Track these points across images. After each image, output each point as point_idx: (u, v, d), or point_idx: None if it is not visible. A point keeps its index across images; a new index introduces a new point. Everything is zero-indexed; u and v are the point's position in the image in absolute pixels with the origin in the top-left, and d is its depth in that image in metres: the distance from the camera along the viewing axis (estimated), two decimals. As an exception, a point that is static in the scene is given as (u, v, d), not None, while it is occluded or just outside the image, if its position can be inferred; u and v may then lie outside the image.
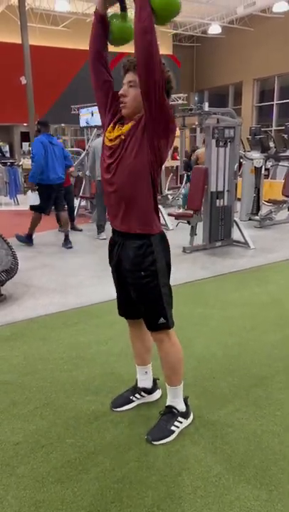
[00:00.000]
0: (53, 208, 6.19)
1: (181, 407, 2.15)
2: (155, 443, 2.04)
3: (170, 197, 9.70)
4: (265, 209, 7.64)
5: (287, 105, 17.74)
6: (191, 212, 5.71)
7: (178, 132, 9.40)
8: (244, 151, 8.01)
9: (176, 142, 9.50)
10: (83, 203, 8.89)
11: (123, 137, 1.87)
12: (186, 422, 2.15)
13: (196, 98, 21.94)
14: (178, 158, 9.79)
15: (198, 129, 10.72)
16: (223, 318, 3.54)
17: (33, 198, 5.91)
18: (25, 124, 15.68)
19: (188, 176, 8.43)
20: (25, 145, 16.37)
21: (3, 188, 10.62)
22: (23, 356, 2.93)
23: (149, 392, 2.37)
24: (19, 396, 2.46)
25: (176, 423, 2.11)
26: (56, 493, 1.78)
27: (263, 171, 7.37)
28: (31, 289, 4.30)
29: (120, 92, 1.89)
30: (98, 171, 6.19)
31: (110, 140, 1.92)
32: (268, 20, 16.77)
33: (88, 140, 8.96)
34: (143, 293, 1.99)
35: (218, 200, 5.80)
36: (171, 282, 2.06)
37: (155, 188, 1.93)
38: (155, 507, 1.70)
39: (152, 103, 1.75)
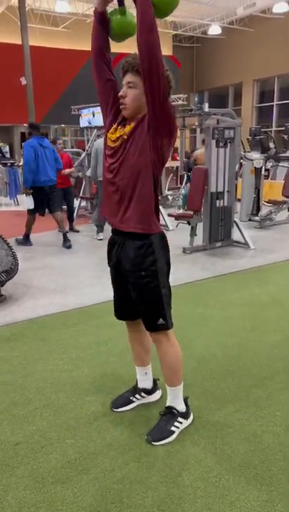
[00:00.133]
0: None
1: (181, 407, 2.15)
2: (155, 443, 2.04)
3: (170, 197, 9.70)
4: (265, 209, 7.64)
5: (287, 106, 17.75)
6: (191, 212, 5.71)
7: (178, 133, 9.39)
8: (244, 152, 8.01)
9: (176, 143, 9.48)
10: (83, 203, 8.90)
11: (125, 137, 1.87)
12: (186, 423, 2.15)
13: (196, 99, 21.96)
14: (178, 158, 9.79)
15: (198, 130, 10.72)
16: (223, 318, 3.54)
17: (28, 202, 5.96)
18: (25, 125, 15.68)
19: (188, 176, 8.43)
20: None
21: (3, 188, 10.63)
22: (23, 357, 2.93)
23: (149, 392, 2.37)
24: (19, 396, 2.46)
25: (176, 423, 2.10)
26: (56, 493, 1.78)
27: (263, 172, 7.38)
28: (31, 290, 4.30)
29: (120, 93, 1.90)
30: (100, 171, 6.19)
31: (113, 141, 1.93)
32: (267, 20, 16.78)
33: (88, 141, 8.96)
34: (143, 293, 1.99)
35: (218, 201, 5.80)
36: (171, 283, 2.07)
37: (156, 187, 1.93)
38: (155, 507, 1.70)
39: (156, 101, 1.76)
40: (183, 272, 4.72)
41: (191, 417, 2.19)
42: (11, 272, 3.91)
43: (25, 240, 6.24)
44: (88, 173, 7.24)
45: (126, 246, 1.99)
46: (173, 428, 2.09)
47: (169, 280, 2.05)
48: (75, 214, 7.69)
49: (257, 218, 7.34)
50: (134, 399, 2.34)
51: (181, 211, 6.96)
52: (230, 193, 5.90)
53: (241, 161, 7.18)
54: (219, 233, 5.96)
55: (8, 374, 2.71)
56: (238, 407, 2.33)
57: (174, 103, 11.18)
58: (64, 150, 7.37)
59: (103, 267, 4.86)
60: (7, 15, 15.99)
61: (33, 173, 5.78)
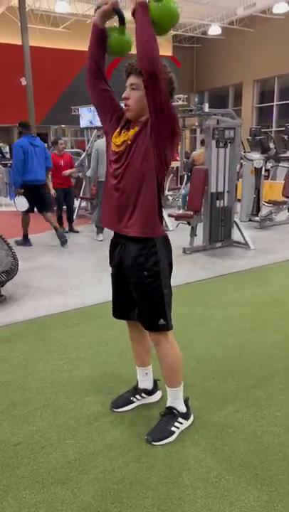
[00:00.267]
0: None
1: (181, 408, 2.14)
2: (155, 443, 2.04)
3: (170, 198, 9.71)
4: (265, 210, 7.64)
5: (287, 106, 17.75)
6: (191, 213, 5.71)
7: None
8: (244, 152, 8.02)
9: (177, 143, 9.48)
10: (83, 203, 8.90)
11: (129, 142, 1.88)
12: (186, 423, 2.15)
13: (196, 99, 21.97)
14: (178, 159, 9.79)
15: (198, 130, 10.72)
16: (223, 318, 3.54)
17: (20, 203, 5.99)
18: (30, 126, 15.67)
19: (188, 176, 8.43)
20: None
21: (4, 188, 10.63)
22: (23, 357, 2.93)
23: (150, 393, 2.37)
24: (19, 397, 2.46)
25: (176, 424, 2.10)
26: (56, 493, 1.77)
27: (263, 172, 7.38)
28: (31, 290, 4.30)
29: (123, 95, 1.90)
30: (101, 172, 6.20)
31: (117, 145, 1.93)
32: (268, 21, 16.78)
33: (88, 141, 8.97)
34: (145, 293, 1.99)
35: (218, 201, 5.80)
36: (171, 283, 2.06)
37: (160, 191, 1.94)
38: (155, 508, 1.70)
39: (158, 107, 1.77)
40: (183, 272, 4.72)
41: (192, 417, 2.19)
42: (11, 272, 3.91)
43: (25, 241, 6.24)
44: (88, 173, 7.25)
45: (129, 247, 1.99)
46: (173, 428, 2.09)
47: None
48: (75, 215, 7.70)
49: (257, 218, 7.34)
50: (134, 399, 2.34)
51: (181, 211, 6.96)
52: (231, 193, 5.90)
53: (241, 161, 7.18)
54: (219, 233, 5.96)
55: (8, 374, 2.71)
56: (238, 408, 2.33)
57: (174, 103, 11.17)
58: (65, 150, 7.37)
59: (103, 267, 4.86)
60: (7, 15, 16.01)
61: (22, 174, 5.82)
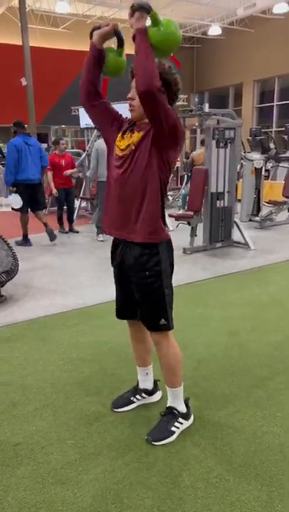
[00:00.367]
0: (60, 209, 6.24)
1: (181, 408, 2.14)
2: (155, 443, 2.04)
3: (170, 198, 9.71)
4: (265, 210, 7.64)
5: (287, 106, 17.75)
6: (192, 213, 5.71)
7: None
8: (244, 152, 8.02)
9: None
10: (83, 204, 8.90)
11: (133, 147, 1.88)
12: (186, 423, 2.14)
13: (196, 99, 21.97)
14: (178, 159, 9.80)
15: (198, 130, 10.73)
16: (224, 318, 3.54)
17: (14, 200, 6.02)
18: (25, 125, 15.69)
19: (188, 176, 8.44)
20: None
21: (4, 188, 10.63)
22: (24, 357, 2.93)
23: (150, 393, 2.37)
24: (19, 397, 2.46)
25: (176, 424, 2.10)
26: (56, 494, 1.77)
27: (263, 172, 7.38)
28: (31, 290, 4.30)
29: (128, 95, 1.91)
30: (101, 172, 6.20)
31: (121, 150, 1.93)
32: (268, 21, 16.79)
33: (88, 141, 8.97)
34: (146, 293, 1.99)
35: (218, 201, 5.81)
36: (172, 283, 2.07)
37: (163, 194, 1.95)
38: (155, 508, 1.70)
39: (158, 123, 1.79)
40: (183, 272, 4.72)
41: (192, 418, 2.19)
42: (11, 272, 3.91)
43: (25, 241, 6.24)
44: (88, 173, 7.25)
45: (131, 247, 1.99)
46: (173, 428, 2.09)
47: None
48: (75, 215, 7.70)
49: (257, 219, 7.34)
50: (134, 399, 2.34)
51: (181, 211, 6.96)
52: (231, 193, 5.90)
53: (242, 161, 7.18)
54: (219, 234, 5.96)
55: (9, 374, 2.71)
56: (238, 408, 2.33)
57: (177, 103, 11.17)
58: (65, 151, 7.38)
59: (103, 267, 4.86)
60: (7, 16, 16.02)
61: (14, 173, 5.86)
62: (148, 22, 1.73)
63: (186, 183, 8.67)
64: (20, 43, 13.58)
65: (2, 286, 3.95)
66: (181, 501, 1.72)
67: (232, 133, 5.75)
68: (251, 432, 2.13)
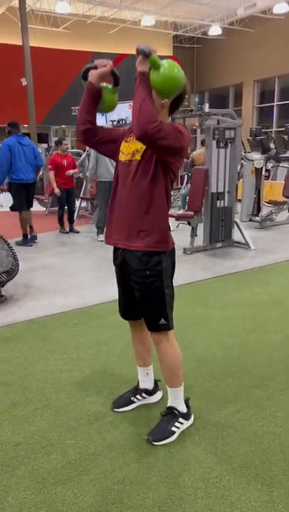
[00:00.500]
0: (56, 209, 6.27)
1: (182, 408, 2.14)
2: (156, 443, 2.04)
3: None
4: (265, 210, 7.64)
5: (287, 106, 17.75)
6: (192, 213, 5.71)
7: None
8: (245, 152, 8.02)
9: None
10: (84, 204, 8.90)
11: (138, 158, 1.89)
12: (186, 423, 2.14)
13: (196, 99, 21.97)
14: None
15: (198, 130, 10.72)
16: (224, 318, 3.54)
17: (5, 199, 6.07)
18: (25, 126, 15.70)
19: (188, 176, 8.43)
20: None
21: (4, 189, 10.62)
22: (24, 357, 2.93)
23: (150, 393, 2.37)
24: (20, 397, 2.46)
25: (176, 424, 2.10)
26: (57, 494, 1.77)
27: (263, 172, 7.38)
28: (32, 290, 4.30)
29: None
30: (100, 172, 6.20)
31: (124, 154, 1.96)
32: (268, 21, 16.79)
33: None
34: (147, 292, 2.00)
35: (218, 201, 5.80)
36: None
37: (168, 199, 1.98)
38: (156, 508, 1.70)
39: (163, 154, 1.85)
40: (183, 272, 4.72)
41: (192, 418, 2.19)
42: (11, 272, 3.91)
43: (25, 241, 6.25)
44: (88, 173, 7.25)
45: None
46: (174, 428, 2.09)
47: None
48: (75, 215, 7.70)
49: (257, 219, 7.34)
50: (135, 399, 2.34)
51: (181, 211, 6.96)
52: (231, 193, 5.90)
53: (242, 161, 7.18)
54: (220, 234, 5.95)
55: (9, 374, 2.71)
56: (238, 408, 2.33)
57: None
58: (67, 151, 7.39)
59: (103, 267, 4.86)
60: (8, 16, 16.02)
61: (5, 173, 5.92)
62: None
63: (187, 183, 8.67)
64: (21, 43, 13.58)
65: (2, 286, 3.95)
66: (181, 501, 1.73)
67: (232, 133, 5.75)
68: (251, 432, 2.13)
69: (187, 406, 2.17)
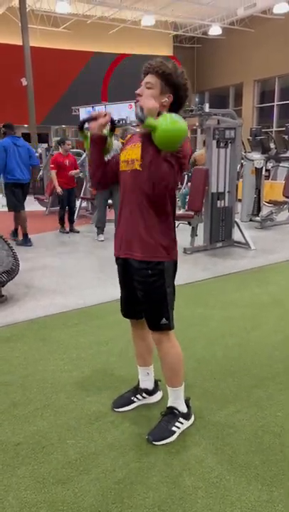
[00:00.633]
0: (59, 208, 6.29)
1: (182, 408, 2.14)
2: (156, 443, 2.04)
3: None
4: (265, 210, 7.64)
5: (287, 106, 17.76)
6: (192, 213, 5.71)
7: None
8: (245, 152, 8.01)
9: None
10: (84, 204, 8.91)
11: (138, 168, 1.89)
12: (187, 423, 2.14)
13: (196, 99, 21.98)
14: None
15: (198, 130, 10.72)
16: (224, 318, 3.54)
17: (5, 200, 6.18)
18: (25, 125, 15.71)
19: (188, 176, 8.43)
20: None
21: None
22: (24, 357, 2.93)
23: (151, 393, 2.37)
24: (20, 397, 2.46)
25: (177, 424, 2.10)
26: (57, 493, 1.77)
27: (263, 172, 7.38)
28: (32, 290, 4.30)
29: (137, 91, 1.93)
30: None
31: (125, 163, 1.97)
32: (268, 21, 16.80)
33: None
34: (148, 292, 2.00)
35: (218, 201, 5.80)
36: (172, 283, 2.07)
37: (173, 204, 1.98)
38: (156, 508, 1.70)
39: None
40: (184, 272, 4.70)
41: (192, 417, 2.19)
42: (11, 272, 3.92)
43: (25, 240, 6.25)
44: (87, 173, 7.26)
45: None
46: (174, 428, 2.09)
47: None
48: (75, 215, 7.70)
49: (258, 219, 7.34)
50: (135, 399, 2.34)
51: (181, 211, 6.95)
52: (231, 193, 5.90)
53: (242, 161, 7.18)
54: (220, 234, 5.96)
55: (9, 374, 2.71)
56: (238, 408, 2.33)
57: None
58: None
59: (103, 267, 4.86)
60: (8, 16, 16.03)
61: (2, 171, 6.02)
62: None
63: (187, 183, 8.67)
64: (21, 43, 13.59)
65: (3, 286, 3.96)
66: (181, 501, 1.73)
67: (232, 133, 5.75)
68: (252, 431, 2.13)
69: (187, 406, 2.17)
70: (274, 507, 1.70)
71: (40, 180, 10.66)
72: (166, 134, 1.74)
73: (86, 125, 2.10)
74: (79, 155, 9.59)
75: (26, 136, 15.98)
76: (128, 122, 8.02)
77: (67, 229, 7.22)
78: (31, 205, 8.94)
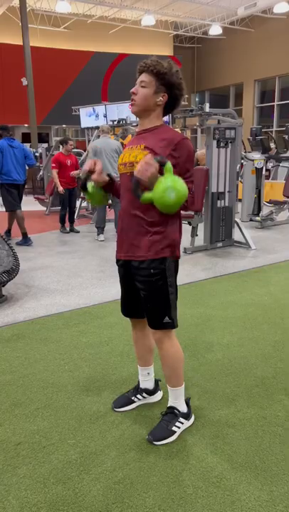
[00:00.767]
0: (59, 209, 6.30)
1: (182, 408, 2.15)
2: (156, 443, 2.04)
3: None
4: (266, 210, 7.64)
5: (287, 106, 17.75)
6: (192, 212, 5.71)
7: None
8: (245, 152, 8.02)
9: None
10: (84, 203, 8.91)
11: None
12: (187, 423, 2.15)
13: (196, 99, 21.98)
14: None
15: (199, 130, 10.73)
16: (224, 318, 3.54)
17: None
18: (26, 125, 15.72)
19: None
20: (26, 146, 16.54)
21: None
22: (24, 357, 2.93)
23: (151, 393, 2.37)
24: (20, 397, 2.46)
25: (177, 424, 2.10)
26: (57, 493, 1.78)
27: (263, 172, 7.39)
28: (32, 290, 4.30)
29: (132, 90, 1.93)
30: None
31: (124, 165, 1.97)
32: (268, 21, 16.79)
33: (89, 141, 8.98)
34: (151, 291, 2.00)
35: (219, 201, 5.81)
36: (172, 283, 2.07)
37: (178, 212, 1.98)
38: (156, 507, 1.70)
39: None
40: (184, 272, 4.72)
41: (193, 417, 2.19)
42: (12, 272, 3.92)
43: (25, 240, 6.26)
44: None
45: None
46: (174, 428, 2.09)
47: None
48: (75, 215, 7.71)
49: (258, 218, 7.34)
50: (135, 399, 2.34)
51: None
52: (231, 193, 5.90)
53: (242, 161, 7.18)
54: (220, 233, 5.96)
55: (10, 374, 2.72)
56: (239, 408, 2.33)
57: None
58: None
59: (104, 267, 4.87)
60: (8, 15, 16.02)
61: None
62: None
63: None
64: (21, 43, 13.59)
65: (3, 286, 3.96)
66: (182, 501, 1.73)
67: (233, 133, 5.76)
68: (252, 431, 2.13)
69: (188, 406, 2.17)
70: (274, 507, 1.70)
71: (41, 180, 10.66)
72: (166, 206, 1.80)
73: (88, 182, 2.14)
74: (79, 155, 9.60)
75: (27, 136, 16.03)
76: (128, 122, 8.02)
77: (68, 229, 7.22)
78: (31, 205, 8.96)
